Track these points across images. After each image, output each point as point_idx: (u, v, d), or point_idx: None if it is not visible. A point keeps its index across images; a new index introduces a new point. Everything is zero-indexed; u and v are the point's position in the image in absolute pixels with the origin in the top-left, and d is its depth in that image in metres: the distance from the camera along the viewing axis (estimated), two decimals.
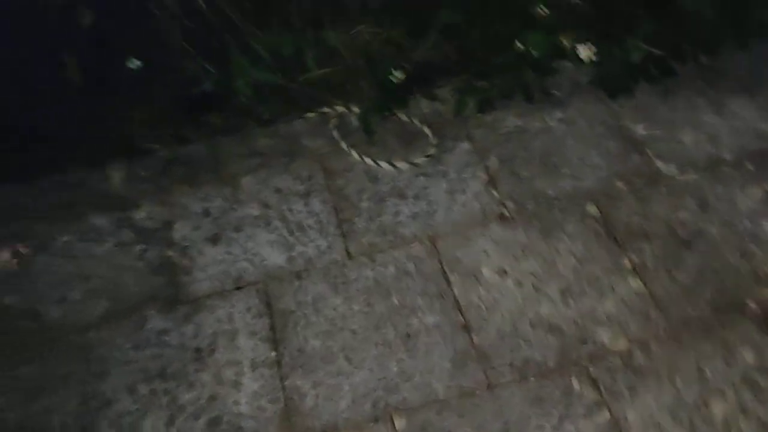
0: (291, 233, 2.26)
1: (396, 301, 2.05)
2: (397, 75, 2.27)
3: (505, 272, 2.10)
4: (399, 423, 1.82)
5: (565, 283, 2.05)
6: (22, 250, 2.24)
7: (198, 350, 1.98)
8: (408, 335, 1.97)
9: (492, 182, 2.34)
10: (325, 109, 2.59)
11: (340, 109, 2.58)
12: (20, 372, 1.98)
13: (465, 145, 2.46)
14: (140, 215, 2.38)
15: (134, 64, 2.43)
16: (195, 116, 2.56)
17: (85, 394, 1.91)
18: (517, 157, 2.40)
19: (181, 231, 2.32)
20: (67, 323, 2.08)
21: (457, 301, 2.04)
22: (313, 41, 2.42)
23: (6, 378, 1.96)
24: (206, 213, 2.36)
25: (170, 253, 2.25)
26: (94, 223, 2.37)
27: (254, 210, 2.35)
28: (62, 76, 2.52)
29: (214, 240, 2.27)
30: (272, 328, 2.01)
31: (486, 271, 2.10)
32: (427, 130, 2.52)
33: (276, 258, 2.19)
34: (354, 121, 2.55)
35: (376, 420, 1.83)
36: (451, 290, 2.07)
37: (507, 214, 2.24)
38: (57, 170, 2.51)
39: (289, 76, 2.53)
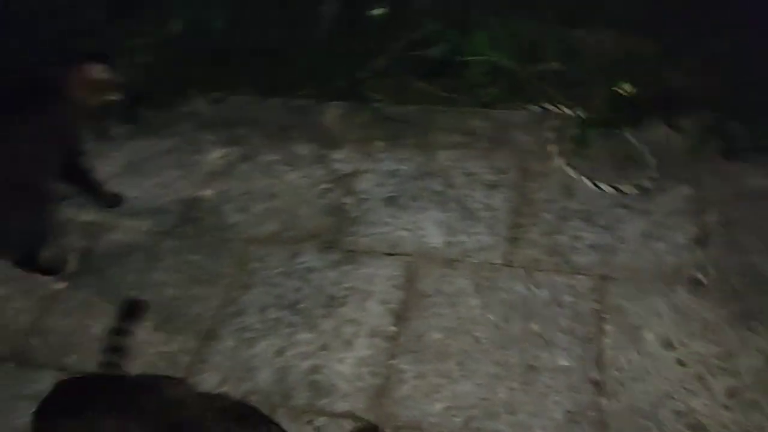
0: (461, 219, 2.18)
1: (534, 328, 1.87)
2: (626, 88, 2.01)
3: (672, 345, 1.79)
4: None
5: (737, 383, 1.69)
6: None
7: (331, 297, 2.02)
8: (532, 367, 1.79)
9: (701, 240, 1.99)
10: (549, 107, 2.41)
11: (564, 110, 2.38)
12: (192, 258, 2.20)
13: (687, 190, 2.13)
14: (337, 157, 2.48)
15: (378, 11, 2.48)
16: (419, 79, 2.56)
17: (227, 298, 2.06)
18: (744, 222, 2.01)
19: (365, 183, 2.36)
20: (240, 230, 2.26)
21: (600, 354, 1.79)
22: (556, 34, 2.25)
23: (181, 260, 2.20)
24: (394, 174, 2.38)
25: (347, 200, 2.31)
26: (298, 151, 2.52)
27: (437, 185, 2.30)
28: (318, 11, 2.69)
29: (390, 201, 2.28)
30: (404, 304, 1.97)
31: (649, 336, 1.82)
32: (650, 160, 2.22)
33: (435, 238, 2.13)
34: (573, 127, 2.34)
35: None
36: (600, 340, 1.82)
37: (703, 281, 1.90)
38: (287, 94, 2.71)
39: (524, 64, 2.40)
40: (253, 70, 2.74)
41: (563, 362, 1.79)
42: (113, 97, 2.17)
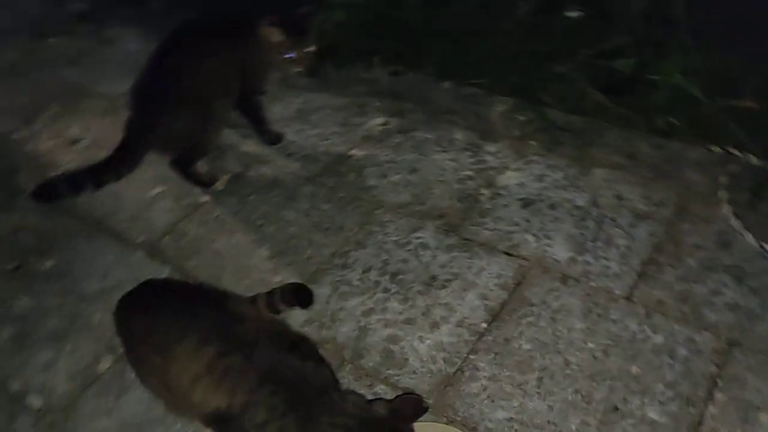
0: (593, 240, 2.02)
1: (634, 370, 1.68)
2: None
3: None
4: None
5: None
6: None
7: (433, 278, 1.98)
8: (616, 409, 1.61)
9: None
10: (730, 149, 2.15)
11: (749, 156, 2.11)
12: (322, 207, 2.27)
13: None
14: (490, 149, 2.43)
15: (574, 14, 2.38)
16: (596, 90, 2.41)
17: (340, 250, 2.10)
18: None
19: (508, 180, 2.28)
20: (374, 194, 2.30)
21: (700, 421, 1.57)
22: (758, 72, 1.99)
23: (313, 206, 2.29)
24: (540, 179, 2.27)
25: (484, 191, 2.25)
26: (453, 135, 2.51)
27: (581, 200, 2.16)
28: (514, 3, 2.63)
29: (525, 203, 2.18)
30: (503, 304, 1.88)
31: (764, 419, 1.55)
32: None
33: (560, 251, 2.00)
34: (754, 177, 2.07)
35: None
36: (705, 406, 1.59)
37: None
38: (460, 80, 2.71)
39: (713, 98, 2.16)
40: (435, 51, 2.76)
41: (654, 415, 1.59)
42: (293, 65, 2.30)
